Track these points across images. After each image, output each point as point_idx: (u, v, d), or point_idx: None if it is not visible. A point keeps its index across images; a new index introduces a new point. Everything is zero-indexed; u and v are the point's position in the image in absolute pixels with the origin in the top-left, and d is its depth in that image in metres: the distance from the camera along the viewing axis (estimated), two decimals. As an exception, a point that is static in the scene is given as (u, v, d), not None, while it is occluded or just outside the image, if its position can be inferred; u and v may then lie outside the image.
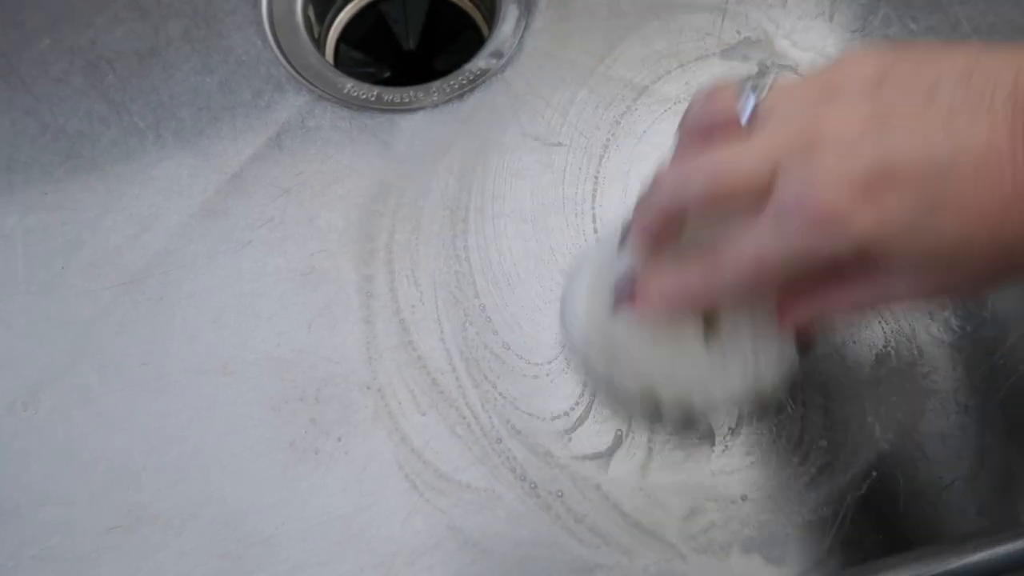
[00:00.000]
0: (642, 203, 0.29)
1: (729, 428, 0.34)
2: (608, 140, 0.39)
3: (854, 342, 0.35)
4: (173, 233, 0.37)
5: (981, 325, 0.36)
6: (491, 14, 0.44)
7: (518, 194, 0.38)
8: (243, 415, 0.33)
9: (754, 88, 0.27)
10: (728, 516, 0.32)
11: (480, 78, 0.40)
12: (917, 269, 0.25)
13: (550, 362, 0.35)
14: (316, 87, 0.40)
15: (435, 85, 0.40)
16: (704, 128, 0.28)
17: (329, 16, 0.46)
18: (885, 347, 0.35)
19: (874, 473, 0.33)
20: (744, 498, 0.33)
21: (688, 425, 0.33)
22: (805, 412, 0.34)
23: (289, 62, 0.41)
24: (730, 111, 0.27)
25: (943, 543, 0.32)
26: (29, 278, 0.36)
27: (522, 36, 0.41)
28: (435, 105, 0.40)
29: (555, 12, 0.42)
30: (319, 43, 0.44)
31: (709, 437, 0.34)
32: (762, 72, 0.27)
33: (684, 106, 0.39)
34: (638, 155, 0.39)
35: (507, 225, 0.37)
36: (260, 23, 0.41)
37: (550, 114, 0.39)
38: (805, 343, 0.32)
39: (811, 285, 0.28)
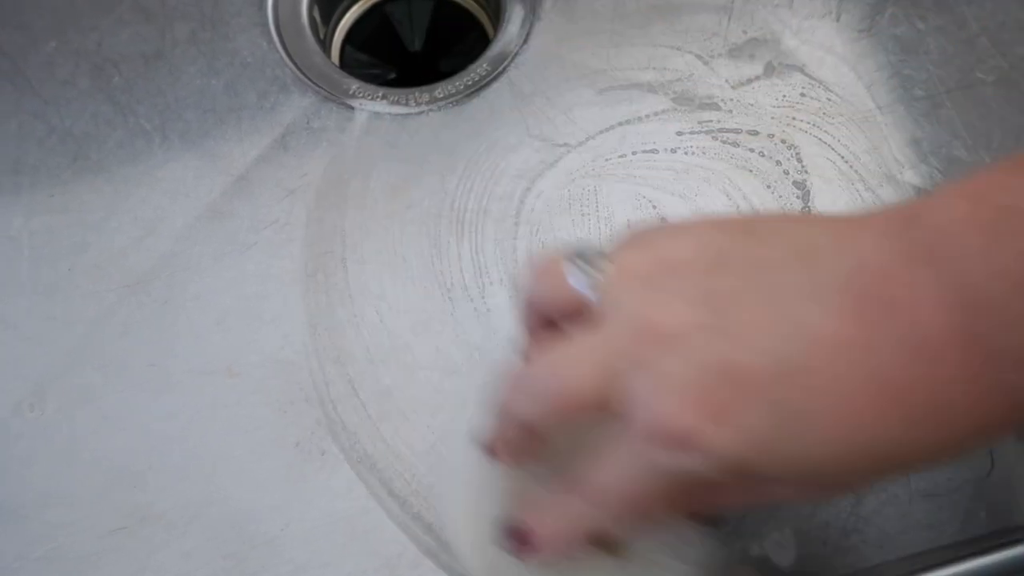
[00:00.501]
0: (497, 417, 0.26)
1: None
2: (613, 141, 0.39)
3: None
4: (179, 235, 0.37)
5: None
6: (496, 15, 0.44)
7: (524, 195, 0.38)
8: (248, 416, 0.33)
9: (580, 266, 0.24)
10: (734, 517, 0.32)
11: (485, 79, 0.40)
12: (791, 477, 0.22)
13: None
14: (321, 88, 0.40)
15: (440, 86, 0.40)
16: (543, 315, 0.25)
17: (334, 18, 0.46)
18: (893, 348, 0.35)
19: (882, 475, 0.33)
20: (751, 500, 0.33)
21: None
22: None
23: (294, 64, 0.41)
24: (562, 293, 0.24)
25: (951, 545, 0.31)
26: (35, 279, 0.36)
27: (527, 37, 0.41)
28: (440, 106, 0.39)
29: (560, 13, 0.42)
30: (324, 45, 0.44)
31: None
32: (599, 255, 0.24)
33: (688, 108, 0.39)
34: (643, 156, 0.38)
35: (512, 226, 0.37)
36: (266, 25, 0.41)
37: (555, 115, 0.39)
38: (713, 520, 0.29)
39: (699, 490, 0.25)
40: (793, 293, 0.21)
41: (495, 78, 0.40)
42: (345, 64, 0.46)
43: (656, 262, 0.23)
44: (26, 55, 0.40)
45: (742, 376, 0.21)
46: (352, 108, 0.39)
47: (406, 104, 0.40)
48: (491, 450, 0.26)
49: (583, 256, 0.24)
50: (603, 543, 0.27)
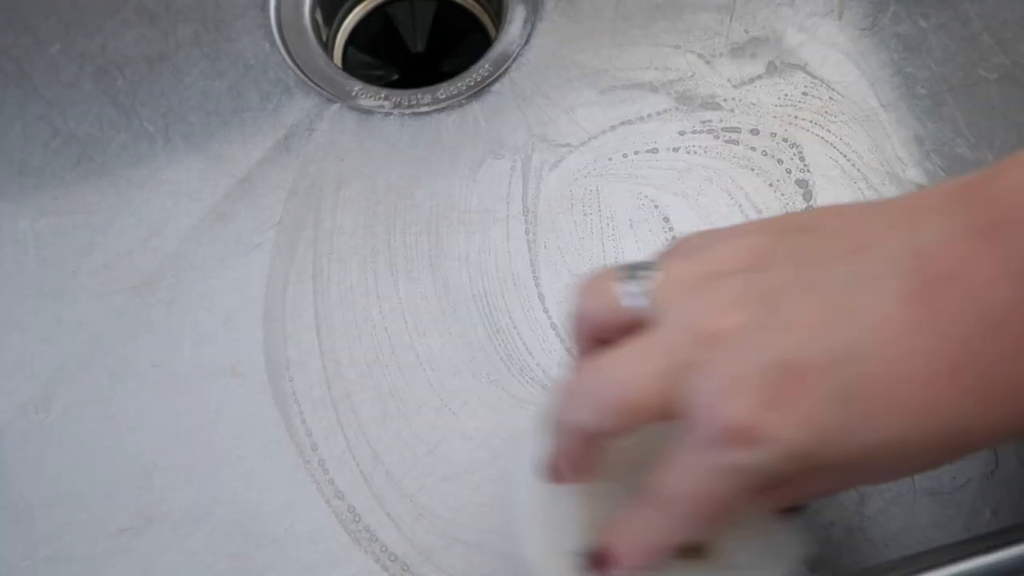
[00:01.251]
0: (551, 441, 0.25)
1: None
2: (615, 141, 0.39)
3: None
4: (183, 236, 0.37)
5: (994, 324, 0.36)
6: (498, 16, 0.44)
7: (525, 195, 0.38)
8: (253, 416, 0.34)
9: (632, 277, 0.24)
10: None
11: (487, 80, 0.40)
12: (858, 462, 0.22)
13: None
14: (324, 90, 0.40)
15: (443, 87, 0.40)
16: (592, 332, 0.25)
17: (337, 19, 0.46)
18: (896, 346, 0.35)
19: (886, 473, 0.33)
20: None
21: None
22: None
23: (297, 66, 0.41)
24: (612, 307, 0.24)
25: (957, 543, 0.32)
26: (41, 281, 0.36)
27: (529, 38, 0.41)
28: (443, 107, 0.40)
29: (562, 14, 0.42)
30: (327, 46, 0.44)
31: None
32: (647, 267, 0.24)
33: (690, 108, 0.39)
34: (645, 156, 0.39)
35: (516, 226, 0.37)
36: (268, 27, 0.41)
37: (557, 115, 0.39)
38: (796, 508, 0.28)
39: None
40: (845, 284, 0.21)
41: (497, 79, 0.40)
42: (347, 66, 0.46)
43: (703, 268, 0.23)
44: (30, 58, 0.40)
45: (799, 368, 0.21)
46: (355, 109, 0.39)
47: (408, 105, 0.40)
48: (554, 471, 0.26)
49: (630, 269, 0.24)
50: (686, 548, 0.26)
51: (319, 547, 0.32)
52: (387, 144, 0.39)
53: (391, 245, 0.37)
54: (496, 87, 0.40)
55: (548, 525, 0.28)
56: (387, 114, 0.39)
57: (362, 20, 0.47)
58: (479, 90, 0.40)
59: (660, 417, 0.23)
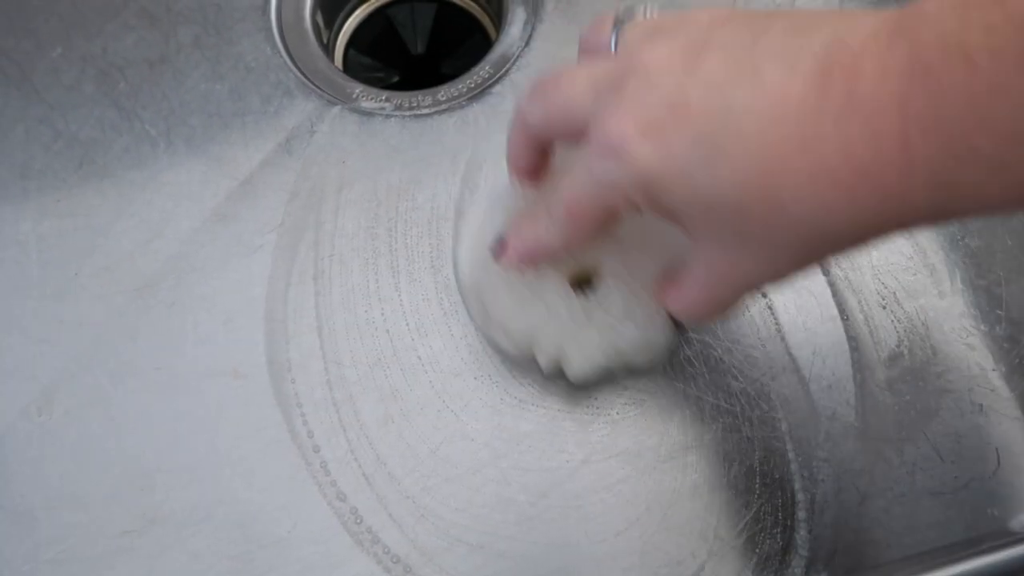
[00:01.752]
0: (512, 127, 0.30)
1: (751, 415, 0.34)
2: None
3: (869, 341, 0.35)
4: (184, 238, 0.37)
5: (996, 323, 0.36)
6: (498, 18, 0.44)
7: (527, 196, 0.38)
8: (254, 418, 0.34)
9: (618, 21, 0.27)
10: (745, 515, 0.32)
11: (488, 82, 0.40)
12: (708, 227, 0.25)
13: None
14: (325, 93, 0.40)
15: (443, 89, 0.40)
16: (586, 54, 0.29)
17: (338, 22, 0.46)
18: (898, 346, 0.35)
19: (888, 473, 0.33)
20: (760, 496, 0.33)
21: (560, 374, 0.33)
22: (818, 411, 0.34)
23: (298, 68, 0.41)
24: (603, 39, 0.28)
25: (958, 543, 0.32)
26: (43, 283, 0.36)
27: (529, 40, 0.41)
28: (444, 109, 0.40)
29: (562, 15, 0.42)
30: (328, 49, 0.44)
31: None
32: (632, 6, 0.28)
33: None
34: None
35: (516, 227, 0.37)
36: (269, 30, 0.41)
37: (558, 116, 0.39)
38: (679, 324, 0.33)
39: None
40: (772, 52, 0.23)
41: (497, 80, 0.40)
42: (348, 68, 0.46)
43: (673, 17, 0.26)
44: (32, 61, 0.40)
45: (684, 107, 0.23)
46: (356, 111, 0.40)
47: (409, 107, 0.40)
48: (510, 168, 0.31)
49: (620, 18, 0.28)
50: (579, 280, 0.32)
51: (321, 548, 0.32)
52: (388, 146, 0.39)
53: (392, 247, 0.37)
54: (497, 89, 0.40)
55: (485, 216, 0.35)
56: (388, 116, 0.40)
57: (363, 22, 0.47)
58: (479, 92, 0.40)
59: (580, 124, 0.26)
